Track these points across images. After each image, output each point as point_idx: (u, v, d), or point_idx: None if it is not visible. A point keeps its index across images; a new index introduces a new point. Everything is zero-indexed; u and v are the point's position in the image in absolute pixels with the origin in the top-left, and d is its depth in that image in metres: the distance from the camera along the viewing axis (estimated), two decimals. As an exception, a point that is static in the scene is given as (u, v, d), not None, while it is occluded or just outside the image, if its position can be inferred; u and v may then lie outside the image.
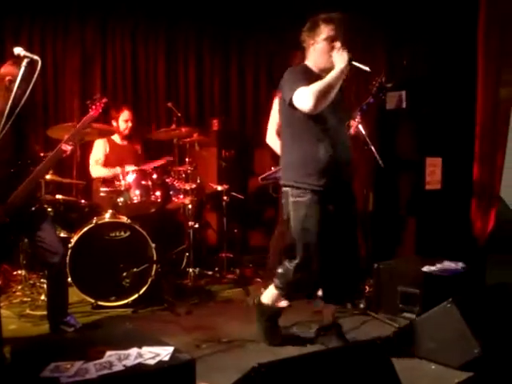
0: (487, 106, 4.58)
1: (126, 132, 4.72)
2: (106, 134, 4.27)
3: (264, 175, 4.15)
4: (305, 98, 2.78)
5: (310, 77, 2.90)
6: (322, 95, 2.76)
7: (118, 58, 5.64)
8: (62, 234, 4.13)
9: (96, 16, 5.45)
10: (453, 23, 4.70)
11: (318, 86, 2.78)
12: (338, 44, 2.91)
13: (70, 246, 3.83)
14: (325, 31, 2.95)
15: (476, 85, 4.64)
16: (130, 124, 4.71)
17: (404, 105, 4.86)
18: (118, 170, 4.41)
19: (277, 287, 3.15)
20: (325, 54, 2.94)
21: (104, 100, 3.37)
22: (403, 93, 4.85)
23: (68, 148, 3.17)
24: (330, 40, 2.94)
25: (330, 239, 2.96)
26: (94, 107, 3.33)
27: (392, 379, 2.28)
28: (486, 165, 4.59)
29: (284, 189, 3.06)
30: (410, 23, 4.89)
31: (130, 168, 4.32)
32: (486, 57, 4.54)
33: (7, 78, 3.01)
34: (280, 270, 3.12)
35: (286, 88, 2.92)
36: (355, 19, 5.04)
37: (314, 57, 3.02)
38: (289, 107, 2.91)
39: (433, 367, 2.82)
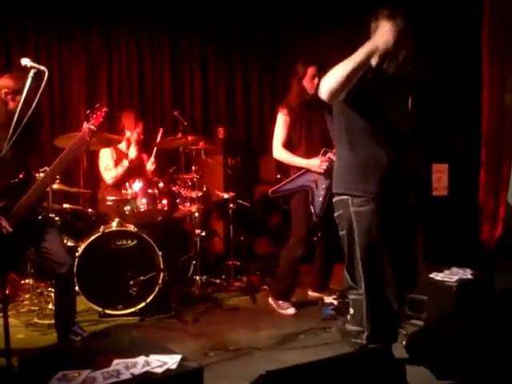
0: (492, 113, 4.57)
1: (136, 144, 4.74)
2: (111, 143, 4.27)
3: (274, 188, 4.09)
4: (322, 84, 2.46)
5: None
6: (336, 80, 2.42)
7: (123, 67, 5.69)
8: (70, 243, 4.14)
9: (101, 24, 5.50)
10: (457, 29, 4.70)
11: (336, 68, 2.43)
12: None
13: (77, 254, 3.84)
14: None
15: (481, 91, 4.63)
16: (141, 136, 4.74)
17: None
18: (125, 163, 4.44)
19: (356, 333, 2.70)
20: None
21: (104, 109, 3.37)
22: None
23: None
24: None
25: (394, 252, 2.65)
26: (94, 116, 3.33)
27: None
28: (493, 171, 4.57)
29: (340, 198, 2.73)
30: (414, 29, 4.88)
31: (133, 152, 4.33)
32: (490, 63, 4.54)
33: (3, 91, 3.05)
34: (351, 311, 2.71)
35: None
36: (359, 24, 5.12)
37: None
38: (347, 108, 2.64)
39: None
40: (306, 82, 3.96)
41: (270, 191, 4.11)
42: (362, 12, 3.00)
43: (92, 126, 3.26)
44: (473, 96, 4.69)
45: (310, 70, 3.94)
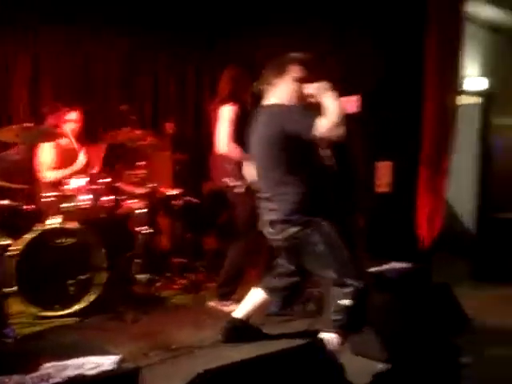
0: (433, 113, 4.70)
1: (74, 134, 4.59)
2: (53, 137, 4.13)
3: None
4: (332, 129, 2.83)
5: None
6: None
7: (68, 59, 5.50)
8: (5, 242, 3.97)
9: (44, 13, 5.29)
10: (402, 31, 4.82)
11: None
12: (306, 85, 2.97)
13: (13, 254, 3.69)
14: (294, 71, 3.00)
15: (423, 90, 4.75)
16: (77, 125, 4.58)
17: (356, 109, 4.94)
18: (67, 171, 4.32)
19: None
20: (293, 93, 2.99)
21: (61, 107, 3.25)
22: (356, 98, 4.93)
23: None
24: (298, 80, 2.98)
25: None
26: (51, 115, 3.20)
27: (338, 378, 2.30)
28: (433, 169, 4.70)
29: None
30: (361, 31, 4.99)
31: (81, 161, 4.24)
32: (431, 64, 4.66)
33: None
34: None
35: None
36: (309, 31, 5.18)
37: (281, 94, 3.01)
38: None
39: (380, 366, 2.86)
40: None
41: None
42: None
43: None
44: (415, 96, 4.81)
45: None
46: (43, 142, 4.27)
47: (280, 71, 3.03)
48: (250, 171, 3.39)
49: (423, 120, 4.77)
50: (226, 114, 4.00)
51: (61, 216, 3.98)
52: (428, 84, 4.73)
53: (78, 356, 2.16)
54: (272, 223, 2.97)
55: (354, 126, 4.96)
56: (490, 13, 6.20)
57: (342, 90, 4.98)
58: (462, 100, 5.44)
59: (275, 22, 5.39)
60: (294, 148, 2.89)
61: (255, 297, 3.32)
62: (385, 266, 3.65)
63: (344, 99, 4.92)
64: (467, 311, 3.18)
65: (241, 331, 3.28)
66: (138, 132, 4.52)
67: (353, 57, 5.06)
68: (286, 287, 3.27)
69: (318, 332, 2.82)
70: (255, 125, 3.08)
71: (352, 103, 4.93)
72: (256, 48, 5.27)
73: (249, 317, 3.32)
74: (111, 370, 2.10)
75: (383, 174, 4.94)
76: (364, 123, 4.92)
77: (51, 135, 3.97)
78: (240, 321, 3.29)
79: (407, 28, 4.81)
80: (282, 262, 3.23)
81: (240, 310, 3.33)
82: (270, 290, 3.29)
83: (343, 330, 2.75)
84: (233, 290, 4.05)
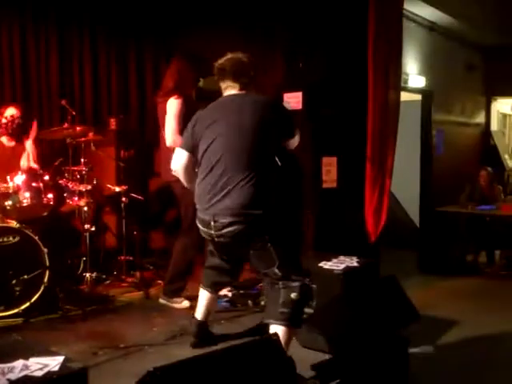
0: (377, 109, 4.81)
1: (11, 131, 4.41)
2: None
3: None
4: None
5: None
6: None
7: (4, 53, 5.29)
8: None
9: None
10: (345, 29, 4.91)
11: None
12: None
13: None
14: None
15: (367, 88, 4.86)
16: (16, 122, 4.39)
17: (300, 105, 5.00)
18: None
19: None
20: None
21: None
22: (299, 94, 4.98)
23: None
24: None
25: None
26: None
27: (289, 372, 2.33)
28: (377, 164, 4.82)
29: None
30: (306, 29, 5.05)
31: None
32: (375, 62, 4.78)
33: None
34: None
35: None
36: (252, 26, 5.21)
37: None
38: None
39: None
40: None
41: None
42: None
43: None
44: (359, 93, 4.91)
45: None
46: None
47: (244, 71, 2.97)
48: None
49: (367, 117, 4.87)
50: (172, 107, 3.94)
51: (2, 214, 3.83)
52: (371, 82, 4.84)
53: (23, 357, 2.08)
54: (218, 217, 2.81)
55: (299, 123, 5.05)
56: (427, 12, 6.45)
57: (285, 87, 5.11)
58: (405, 97, 5.62)
59: (224, 18, 5.40)
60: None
61: (202, 295, 3.23)
62: (334, 260, 3.72)
63: (288, 95, 5.00)
64: (414, 303, 3.28)
65: (205, 334, 3.19)
66: (78, 128, 4.41)
67: (297, 55, 5.12)
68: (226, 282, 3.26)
69: (267, 326, 2.83)
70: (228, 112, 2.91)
71: (295, 99, 4.99)
72: (204, 43, 5.25)
73: (206, 317, 3.22)
74: (58, 371, 2.04)
75: (329, 170, 5.02)
76: (309, 120, 4.99)
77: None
78: (202, 323, 3.18)
79: (350, 26, 4.92)
80: (220, 257, 3.11)
81: (198, 312, 3.22)
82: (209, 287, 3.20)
83: (289, 322, 2.77)
84: (182, 287, 4.01)
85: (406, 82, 6.35)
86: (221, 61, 2.99)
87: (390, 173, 4.90)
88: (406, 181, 6.49)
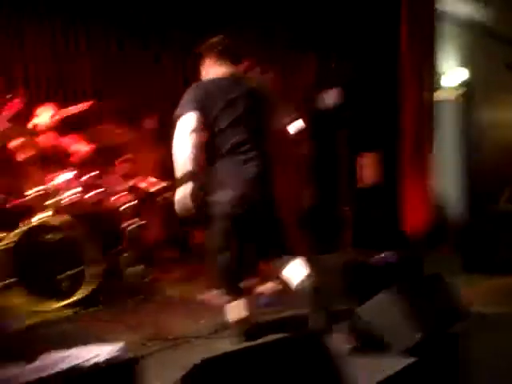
0: (413, 108, 4.76)
1: (51, 130, 4.52)
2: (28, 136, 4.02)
3: None
4: None
5: None
6: None
7: (39, 54, 5.41)
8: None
9: (12, 12, 5.21)
10: (378, 29, 4.88)
11: None
12: None
13: (2, 248, 3.67)
14: None
15: (400, 86, 4.81)
16: (54, 120, 4.51)
17: (336, 103, 4.97)
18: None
19: None
20: None
21: (16, 100, 3.21)
22: (334, 92, 4.95)
23: None
24: None
25: None
26: (5, 107, 3.17)
27: (334, 369, 2.32)
28: (415, 162, 4.76)
29: None
30: (338, 29, 5.04)
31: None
32: (410, 63, 4.72)
33: None
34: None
35: None
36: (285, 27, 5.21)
37: None
38: None
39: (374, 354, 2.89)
40: None
41: None
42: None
43: None
44: (392, 93, 4.87)
45: None
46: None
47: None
48: None
49: (402, 115, 4.82)
50: None
51: (48, 211, 3.94)
52: (406, 82, 4.79)
53: (76, 346, 2.15)
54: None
55: (335, 120, 5.02)
56: (464, 9, 6.32)
57: (317, 88, 5.08)
58: (441, 96, 5.52)
59: (256, 18, 5.41)
60: None
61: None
62: (375, 257, 3.69)
63: (324, 92, 4.98)
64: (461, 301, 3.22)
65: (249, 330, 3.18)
66: (118, 129, 4.50)
67: (329, 55, 5.11)
68: None
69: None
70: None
71: (331, 95, 4.96)
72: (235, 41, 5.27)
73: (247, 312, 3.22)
74: (110, 360, 2.09)
75: (367, 167, 4.99)
76: (346, 118, 4.96)
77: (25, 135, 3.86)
78: (244, 320, 3.18)
79: (382, 26, 4.88)
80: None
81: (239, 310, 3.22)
82: None
83: None
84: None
85: (442, 80, 6.23)
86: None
87: (430, 171, 4.83)
88: (447, 180, 6.37)
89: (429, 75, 4.91)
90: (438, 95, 5.35)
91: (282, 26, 5.30)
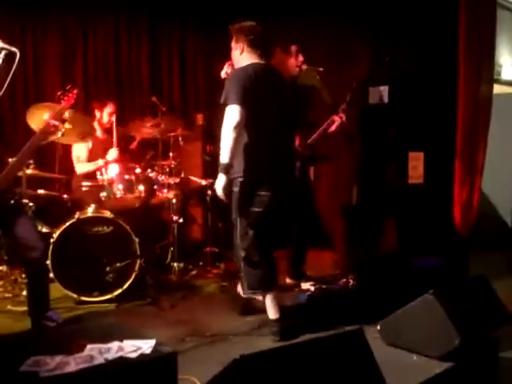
0: (468, 104, 4.61)
1: (108, 126, 4.67)
2: (85, 136, 4.11)
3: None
4: None
5: None
6: None
7: (99, 50, 5.59)
8: (44, 229, 4.09)
9: (77, 5, 5.38)
10: (434, 20, 4.74)
11: None
12: None
13: (52, 241, 3.80)
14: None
15: (457, 81, 4.67)
16: (113, 118, 4.65)
17: (386, 100, 4.89)
18: (100, 162, 4.39)
19: None
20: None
21: (75, 91, 3.31)
22: (385, 88, 4.88)
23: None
24: None
25: None
26: (65, 98, 3.28)
27: (373, 368, 2.30)
28: (467, 160, 4.62)
29: None
30: (392, 21, 4.93)
31: (112, 154, 4.37)
32: (467, 53, 4.57)
33: None
34: None
35: None
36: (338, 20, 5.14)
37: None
38: None
39: (414, 358, 2.85)
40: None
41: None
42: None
43: (53, 121, 3.18)
44: (449, 87, 4.73)
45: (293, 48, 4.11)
46: (73, 142, 4.27)
47: None
48: None
49: (457, 111, 4.68)
50: None
51: (97, 205, 4.05)
52: (462, 74, 4.64)
53: (117, 339, 2.21)
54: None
55: (384, 117, 4.94)
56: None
57: (371, 81, 5.00)
58: (499, 90, 5.33)
59: (309, 10, 5.37)
60: None
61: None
62: (420, 260, 3.62)
63: (372, 89, 4.91)
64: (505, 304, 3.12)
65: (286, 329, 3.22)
66: (168, 124, 4.57)
67: (383, 48, 5.01)
68: None
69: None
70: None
71: (378, 94, 4.89)
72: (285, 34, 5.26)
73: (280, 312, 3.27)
74: (150, 354, 2.15)
75: (415, 165, 4.88)
76: (396, 114, 4.87)
77: (83, 135, 3.93)
78: (279, 319, 3.23)
79: (438, 17, 4.73)
80: None
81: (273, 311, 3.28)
82: None
83: None
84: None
85: (499, 73, 6.01)
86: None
87: (480, 170, 4.68)
88: (498, 179, 6.16)
89: (488, 67, 4.74)
90: (497, 89, 5.13)
91: (334, 17, 5.24)
